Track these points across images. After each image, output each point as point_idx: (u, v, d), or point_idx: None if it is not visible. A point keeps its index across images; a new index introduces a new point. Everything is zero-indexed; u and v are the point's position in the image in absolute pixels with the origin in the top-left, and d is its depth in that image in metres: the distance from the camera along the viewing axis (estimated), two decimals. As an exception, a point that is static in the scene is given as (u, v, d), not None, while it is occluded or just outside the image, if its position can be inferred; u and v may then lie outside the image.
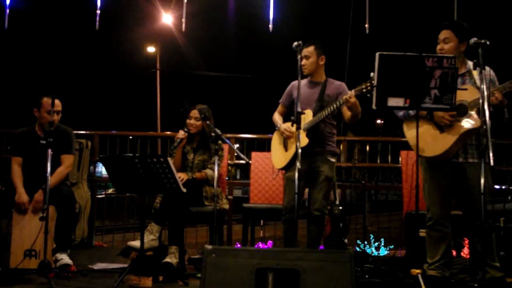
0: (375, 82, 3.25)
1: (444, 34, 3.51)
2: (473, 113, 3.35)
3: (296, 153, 3.83)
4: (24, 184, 4.01)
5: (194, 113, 4.36)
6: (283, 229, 3.95)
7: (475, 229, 3.43)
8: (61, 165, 4.12)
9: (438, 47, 3.54)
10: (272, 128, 4.22)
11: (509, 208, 4.23)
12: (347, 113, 3.88)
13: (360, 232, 6.45)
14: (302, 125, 3.86)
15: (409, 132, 3.61)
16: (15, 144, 4.17)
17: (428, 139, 3.48)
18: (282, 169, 4.08)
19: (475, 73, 3.45)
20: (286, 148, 4.03)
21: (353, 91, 3.62)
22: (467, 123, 3.35)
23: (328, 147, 3.98)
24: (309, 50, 3.97)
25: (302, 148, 3.77)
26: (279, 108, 4.25)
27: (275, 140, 4.19)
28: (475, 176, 3.35)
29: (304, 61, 3.97)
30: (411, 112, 3.57)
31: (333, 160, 3.98)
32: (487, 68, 3.49)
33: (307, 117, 3.87)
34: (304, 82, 4.09)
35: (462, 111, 3.38)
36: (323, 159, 3.92)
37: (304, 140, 3.79)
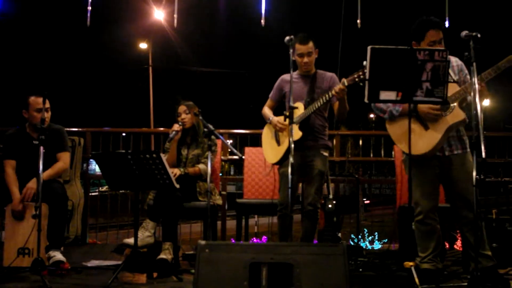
0: (367, 75, 3.25)
1: (438, 34, 3.45)
2: (455, 105, 3.36)
3: (289, 147, 3.84)
4: (19, 186, 3.97)
5: (181, 108, 4.38)
6: (278, 224, 3.95)
7: (463, 220, 3.45)
8: (59, 161, 4.11)
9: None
10: (265, 123, 4.21)
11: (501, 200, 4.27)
12: (335, 106, 3.88)
13: (354, 226, 6.48)
14: (294, 118, 3.85)
15: (393, 132, 3.60)
16: (7, 146, 4.11)
17: (413, 138, 3.46)
18: (276, 163, 4.07)
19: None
20: (278, 142, 4.02)
21: (345, 80, 3.61)
22: (452, 117, 3.37)
23: (321, 140, 3.98)
24: (310, 46, 3.92)
25: (295, 142, 3.77)
26: (269, 102, 4.22)
27: (267, 134, 4.17)
28: (461, 167, 3.43)
29: (307, 59, 3.92)
30: (395, 113, 3.56)
31: (325, 154, 3.98)
32: (454, 58, 3.52)
33: (299, 110, 3.85)
34: (294, 75, 4.08)
35: (444, 105, 3.39)
36: (316, 153, 3.92)
37: (297, 133, 3.79)
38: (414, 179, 3.59)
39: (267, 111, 4.18)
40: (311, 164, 3.89)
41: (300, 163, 3.84)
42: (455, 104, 3.37)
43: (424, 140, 3.43)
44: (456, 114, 3.37)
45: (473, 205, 3.14)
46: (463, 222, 3.47)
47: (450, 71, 3.49)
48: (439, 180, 3.58)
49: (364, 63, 3.45)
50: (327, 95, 3.75)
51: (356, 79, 3.53)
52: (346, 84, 3.59)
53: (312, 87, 3.96)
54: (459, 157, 3.49)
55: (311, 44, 3.92)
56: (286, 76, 4.12)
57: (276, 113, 4.15)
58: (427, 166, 3.53)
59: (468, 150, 3.55)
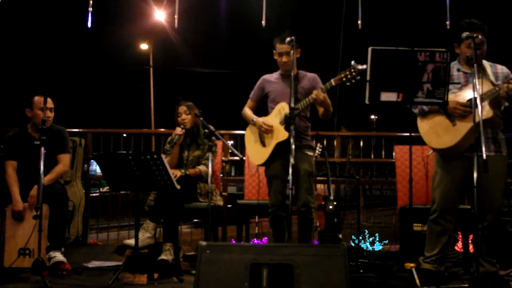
0: (359, 67, 3.27)
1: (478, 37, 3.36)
2: (485, 104, 3.31)
3: (276, 148, 3.85)
4: (20, 186, 3.97)
5: (182, 108, 4.37)
6: (271, 226, 3.95)
7: (484, 223, 3.37)
8: (59, 164, 4.11)
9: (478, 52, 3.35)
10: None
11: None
12: (320, 109, 3.86)
13: (354, 227, 6.47)
14: (279, 118, 3.86)
15: (422, 127, 3.59)
16: (8, 147, 4.11)
17: (440, 132, 3.47)
18: (261, 165, 4.04)
19: (488, 69, 3.47)
20: (263, 143, 3.98)
21: (333, 80, 3.61)
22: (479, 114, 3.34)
23: (305, 141, 3.96)
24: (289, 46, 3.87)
25: (281, 143, 3.79)
26: (249, 103, 4.18)
27: (250, 136, 4.13)
28: (492, 170, 3.20)
29: (285, 58, 3.88)
30: (425, 108, 3.55)
31: (310, 153, 3.96)
32: (500, 66, 3.51)
33: (283, 110, 3.85)
34: (275, 76, 4.07)
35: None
36: (301, 155, 3.87)
37: (284, 134, 3.79)
38: (438, 177, 3.57)
39: (248, 112, 4.15)
40: (298, 166, 3.86)
41: (286, 164, 3.85)
42: (486, 101, 3.31)
43: (450, 135, 3.43)
44: (485, 112, 3.29)
45: (498, 210, 3.13)
46: (483, 226, 3.38)
47: (492, 77, 3.45)
48: (467, 182, 3.49)
49: (353, 62, 3.46)
50: (308, 100, 3.74)
51: (343, 79, 3.53)
52: (333, 84, 3.60)
53: (295, 87, 3.93)
54: (491, 159, 3.29)
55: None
56: (267, 76, 4.11)
57: (258, 114, 4.13)
58: (455, 167, 3.50)
59: (504, 152, 3.50)
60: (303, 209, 3.82)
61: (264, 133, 3.96)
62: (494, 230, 3.41)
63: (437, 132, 3.49)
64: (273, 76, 4.08)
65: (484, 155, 2.90)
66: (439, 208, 3.52)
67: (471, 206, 3.61)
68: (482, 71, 3.47)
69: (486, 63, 3.52)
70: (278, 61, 3.96)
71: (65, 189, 4.16)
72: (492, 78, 3.44)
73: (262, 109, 4.16)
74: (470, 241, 4.16)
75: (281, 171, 3.89)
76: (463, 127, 3.39)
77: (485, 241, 3.37)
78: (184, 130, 4.31)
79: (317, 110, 3.92)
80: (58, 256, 3.82)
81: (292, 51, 3.51)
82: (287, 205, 3.80)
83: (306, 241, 3.85)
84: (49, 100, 4.03)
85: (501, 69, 3.53)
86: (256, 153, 4.04)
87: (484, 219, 3.38)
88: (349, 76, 3.51)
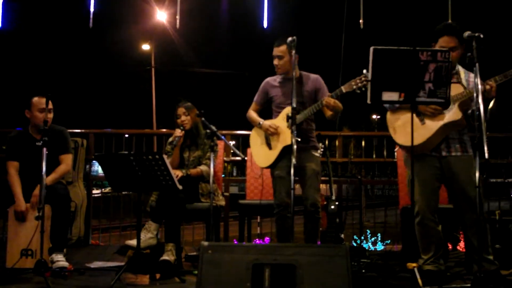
0: (369, 77, 3.27)
1: (449, 41, 3.45)
2: (455, 106, 3.41)
3: (282, 151, 3.89)
4: (22, 187, 3.98)
5: (180, 110, 4.38)
6: (276, 226, 3.96)
7: (467, 222, 3.46)
8: (62, 164, 4.12)
9: None
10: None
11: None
12: (328, 112, 3.87)
13: (356, 227, 6.47)
14: (287, 123, 3.86)
15: (391, 122, 3.64)
16: (10, 148, 4.12)
17: (409, 130, 3.48)
18: (268, 167, 4.07)
19: (462, 74, 3.55)
20: (270, 146, 4.01)
21: (343, 88, 3.63)
22: (449, 116, 3.42)
23: (311, 142, 4.01)
24: (282, 49, 3.90)
25: (289, 146, 3.79)
26: (254, 106, 4.21)
27: (256, 138, 4.15)
28: (463, 169, 3.46)
29: (277, 61, 3.94)
30: (396, 104, 3.57)
31: (317, 154, 4.01)
32: (473, 74, 3.53)
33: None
34: (278, 79, 4.09)
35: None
36: (308, 155, 3.93)
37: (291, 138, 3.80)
38: (411, 180, 3.60)
39: (253, 115, 4.18)
40: (305, 166, 3.90)
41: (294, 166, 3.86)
42: (456, 104, 3.40)
43: (418, 133, 3.46)
44: (454, 113, 3.41)
45: (476, 207, 3.14)
46: (467, 224, 3.47)
47: (464, 82, 3.52)
48: (440, 181, 3.59)
49: (364, 71, 3.48)
50: (317, 105, 3.78)
51: (354, 87, 3.58)
52: (344, 91, 3.64)
53: (299, 90, 3.94)
54: (458, 159, 3.52)
55: (283, 47, 3.89)
56: (270, 80, 4.15)
57: (263, 117, 4.14)
58: (425, 167, 3.55)
59: (470, 152, 3.57)
60: (311, 209, 3.84)
61: (270, 135, 3.98)
62: (479, 226, 3.42)
63: (406, 130, 3.49)
64: (276, 80, 4.10)
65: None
66: (420, 210, 3.55)
67: (453, 205, 3.63)
68: (456, 74, 3.53)
69: (461, 69, 3.59)
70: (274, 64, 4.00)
71: (68, 189, 4.16)
72: (464, 83, 3.51)
73: (267, 113, 4.17)
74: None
75: (288, 172, 3.90)
76: (432, 126, 3.46)
77: (475, 239, 3.39)
78: (183, 132, 4.32)
79: (323, 112, 3.93)
80: (61, 261, 3.82)
81: (293, 51, 3.52)
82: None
83: (313, 241, 3.88)
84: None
85: (473, 77, 3.54)
86: (262, 156, 4.07)
87: (466, 218, 3.45)
88: (359, 84, 3.56)
